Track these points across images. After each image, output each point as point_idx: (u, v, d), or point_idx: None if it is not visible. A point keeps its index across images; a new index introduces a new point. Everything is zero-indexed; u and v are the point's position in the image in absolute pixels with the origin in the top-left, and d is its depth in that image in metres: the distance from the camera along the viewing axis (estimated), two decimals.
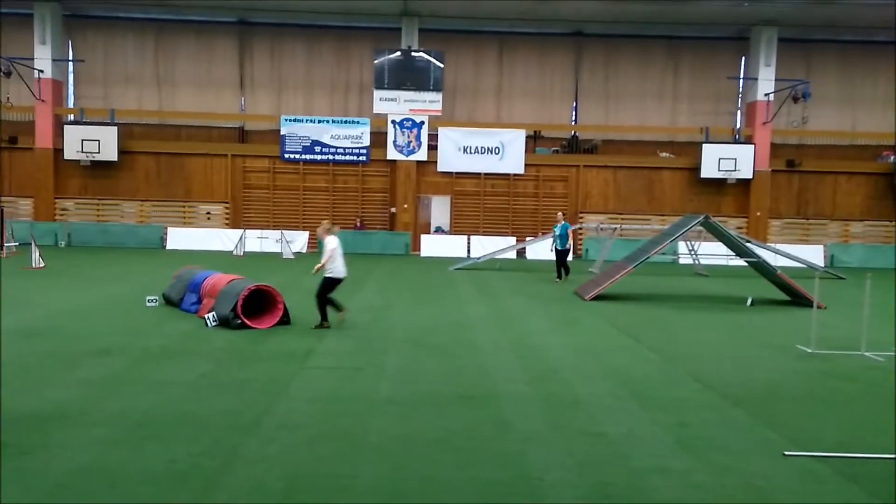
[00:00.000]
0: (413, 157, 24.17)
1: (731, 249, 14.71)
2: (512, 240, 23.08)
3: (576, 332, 10.21)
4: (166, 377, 7.01)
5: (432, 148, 24.27)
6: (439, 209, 24.83)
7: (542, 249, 21.92)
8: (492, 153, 24.31)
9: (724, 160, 24.11)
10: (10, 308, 10.58)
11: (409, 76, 23.52)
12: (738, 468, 4.96)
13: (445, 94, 24.06)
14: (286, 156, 24.29)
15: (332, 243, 9.60)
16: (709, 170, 24.20)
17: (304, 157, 24.30)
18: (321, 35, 25.26)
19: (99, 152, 23.40)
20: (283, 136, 24.20)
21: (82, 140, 23.36)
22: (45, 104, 23.64)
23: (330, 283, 9.64)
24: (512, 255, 22.19)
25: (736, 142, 24.86)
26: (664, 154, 25.21)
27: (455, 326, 10.30)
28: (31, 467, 4.60)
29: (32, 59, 23.35)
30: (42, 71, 23.43)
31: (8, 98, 23.41)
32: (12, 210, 23.06)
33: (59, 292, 12.62)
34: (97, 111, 24.24)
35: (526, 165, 24.47)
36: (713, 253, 17.45)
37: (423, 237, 24.01)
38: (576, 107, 25.98)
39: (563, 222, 16.68)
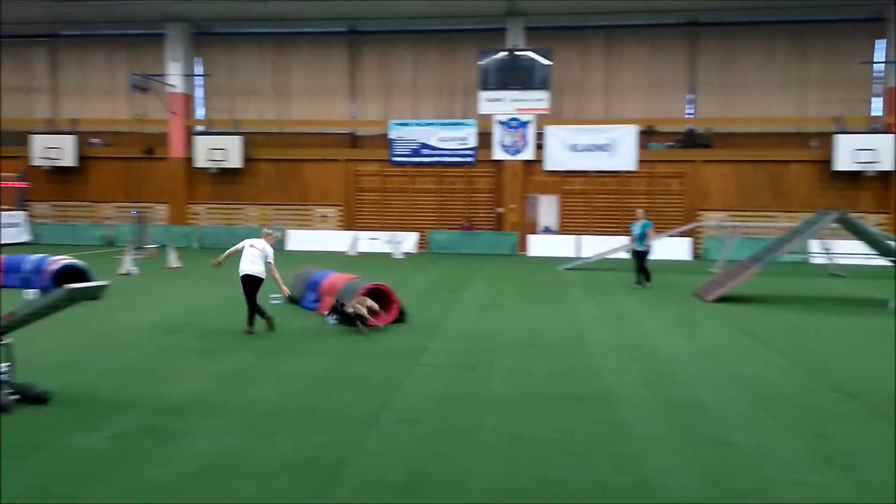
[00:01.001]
0: (519, 157, 24.05)
1: (873, 248, 13.49)
2: (624, 239, 22.36)
3: (696, 334, 9.75)
4: (290, 371, 7.38)
5: (539, 147, 24.02)
6: (547, 209, 24.54)
7: (657, 249, 21.13)
8: (601, 150, 23.71)
9: (861, 151, 22.17)
10: (153, 305, 11.53)
11: (514, 76, 23.42)
12: (885, 485, 4.55)
13: (552, 92, 23.74)
14: (395, 159, 24.91)
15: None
16: (843, 162, 22.33)
17: (412, 159, 24.81)
18: (427, 40, 25.69)
19: (225, 160, 25.04)
20: (392, 140, 24.82)
21: (210, 149, 25.08)
22: (177, 117, 25.58)
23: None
24: (624, 255, 21.50)
25: (874, 131, 22.79)
26: (813, 144, 23.45)
27: (566, 327, 10.14)
28: (176, 451, 4.99)
29: (165, 75, 25.36)
30: (174, 86, 25.38)
31: (145, 113, 25.56)
32: (151, 214, 25.12)
33: (193, 290, 13.60)
34: (223, 122, 25.93)
35: (638, 162, 23.67)
36: (850, 251, 16.05)
37: (531, 237, 23.82)
38: (691, 99, 24.83)
39: (642, 220, 14.86)
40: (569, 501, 4.32)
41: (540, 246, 23.39)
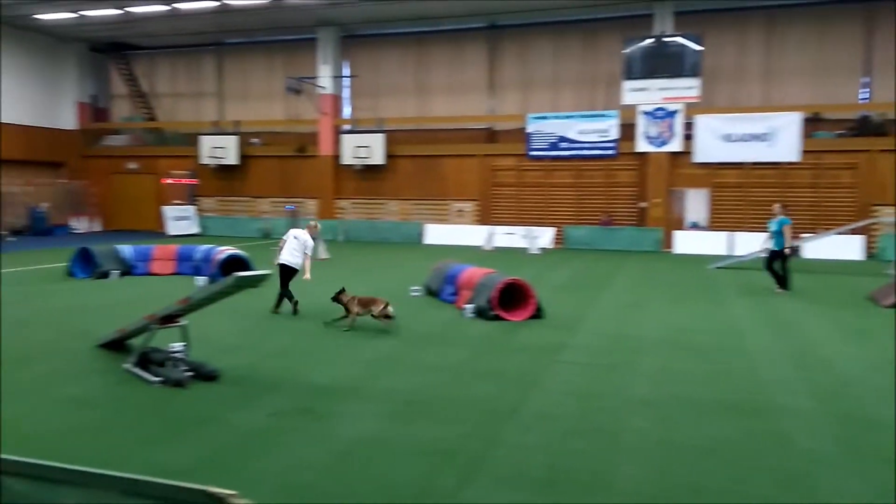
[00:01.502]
0: (666, 149, 22.91)
1: None
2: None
3: (871, 343, 8.74)
4: (431, 361, 7.53)
5: (688, 138, 22.72)
6: (695, 203, 23.18)
7: (824, 247, 19.32)
8: (758, 140, 21.98)
9: None
10: (305, 293, 12.26)
11: (661, 63, 22.32)
12: None
13: (703, 80, 22.37)
14: (532, 153, 24.69)
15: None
16: None
17: (549, 153, 24.47)
18: (567, 30, 25.19)
19: (369, 157, 26.14)
20: (530, 134, 24.62)
21: (355, 147, 26.31)
22: (326, 117, 27.07)
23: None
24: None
25: None
26: None
27: (718, 329, 9.50)
28: (325, 431, 5.26)
29: (316, 77, 26.91)
30: (324, 87, 26.87)
31: (298, 114, 27.29)
32: (303, 209, 26.79)
33: (341, 280, 14.26)
34: (367, 120, 27.08)
35: (802, 152, 21.69)
36: None
37: (677, 233, 22.64)
38: (866, 83, 22.33)
39: (780, 216, 13.01)
40: None
41: (687, 243, 22.18)
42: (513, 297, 10.17)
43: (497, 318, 9.72)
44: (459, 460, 4.73)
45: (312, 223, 10.89)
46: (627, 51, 22.82)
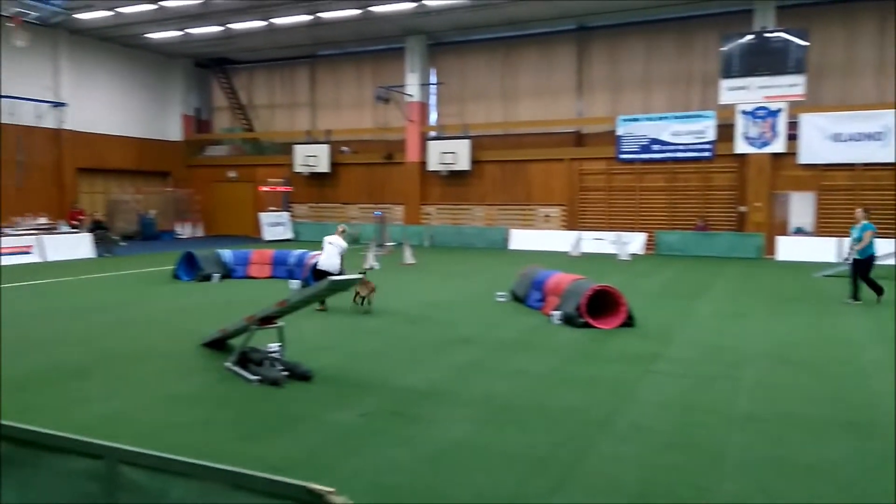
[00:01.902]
0: (767, 150, 21.73)
1: None
2: None
3: None
4: (519, 367, 7.45)
5: (791, 138, 21.46)
6: (800, 207, 21.82)
7: None
8: (872, 140, 20.43)
9: None
10: (392, 297, 12.48)
11: (763, 60, 21.19)
12: None
13: (809, 76, 21.08)
14: (622, 156, 24.07)
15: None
16: None
17: (641, 156, 23.77)
18: (660, 29, 24.43)
19: (455, 163, 26.33)
20: (620, 136, 24.02)
21: (441, 153, 26.57)
22: (413, 124, 27.49)
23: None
24: None
25: None
26: None
27: (827, 342, 8.89)
28: (416, 434, 5.30)
29: (404, 86, 27.40)
30: (411, 95, 27.32)
31: (387, 122, 27.86)
32: (389, 215, 27.31)
33: (427, 285, 14.47)
34: (453, 127, 27.28)
35: None
36: None
37: (780, 239, 21.36)
38: None
39: (863, 221, 11.80)
40: None
41: (791, 249, 20.91)
42: (602, 304, 9.92)
43: (586, 325, 9.51)
44: (551, 469, 4.64)
45: (340, 228, 11.85)
46: (725, 48, 21.85)
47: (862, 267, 11.88)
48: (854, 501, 4.19)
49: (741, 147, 22.04)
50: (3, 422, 2.89)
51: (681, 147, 23.05)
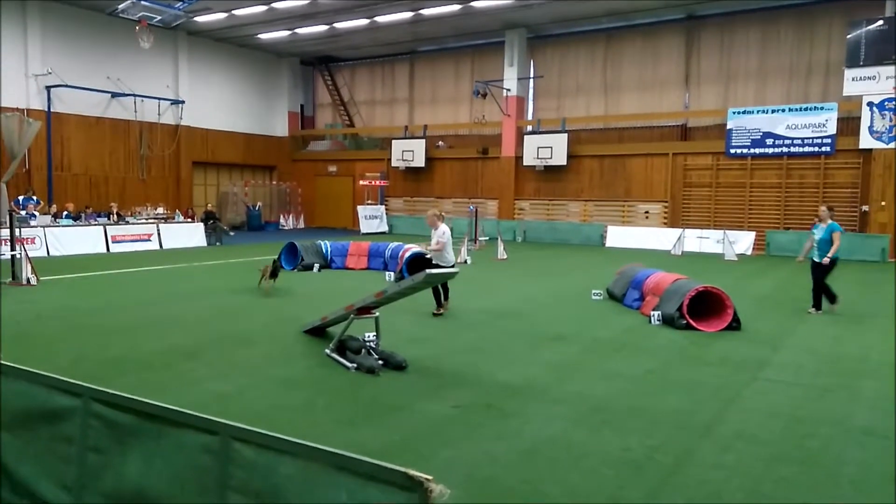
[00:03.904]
0: (895, 145, 20.02)
1: None
2: None
3: None
4: (615, 368, 7.26)
5: None
6: None
7: None
8: None
9: None
10: (486, 292, 12.50)
11: (894, 48, 19.51)
12: None
13: None
14: (732, 151, 22.89)
15: (443, 231, 9.86)
16: None
17: (752, 151, 22.50)
18: (777, 17, 23.00)
19: (551, 158, 25.97)
20: (730, 130, 22.83)
21: (537, 147, 26.27)
22: (510, 118, 27.36)
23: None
24: None
25: None
26: None
27: None
28: (511, 429, 5.28)
29: (502, 80, 27.29)
30: (509, 90, 27.17)
31: (483, 116, 27.90)
32: (483, 209, 27.35)
33: (519, 281, 14.38)
34: (551, 121, 26.92)
35: None
36: None
37: None
38: None
39: (829, 221, 10.63)
40: None
41: None
42: (706, 305, 9.48)
43: (688, 327, 9.13)
44: (647, 474, 4.49)
45: (435, 210, 10.48)
46: (851, 35, 20.26)
47: (823, 271, 10.58)
48: None
49: (866, 141, 20.40)
50: (129, 395, 3.13)
51: (797, 141, 21.64)
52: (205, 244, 21.81)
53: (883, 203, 20.29)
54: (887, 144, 20.14)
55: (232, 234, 24.52)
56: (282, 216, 32.01)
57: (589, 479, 4.37)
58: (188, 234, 21.76)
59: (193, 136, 28.65)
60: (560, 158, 25.79)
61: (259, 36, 28.23)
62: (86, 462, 3.18)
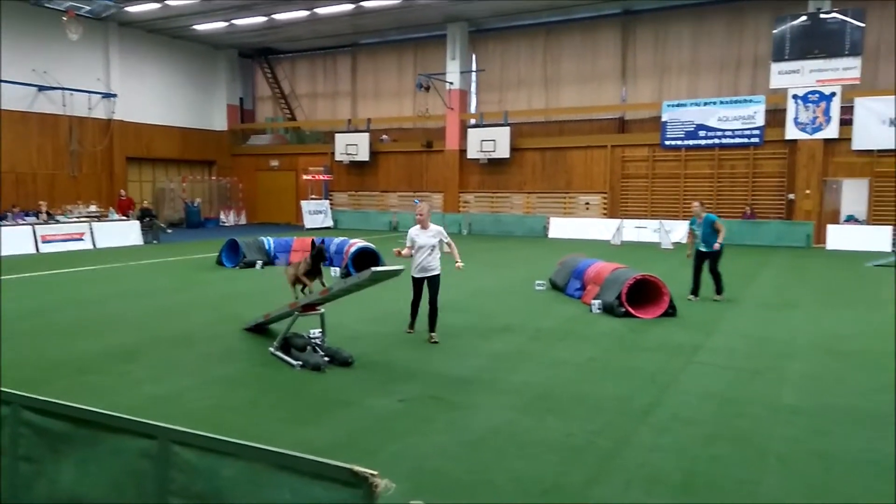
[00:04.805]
0: (819, 136, 21.01)
1: None
2: None
3: None
4: (559, 357, 7.43)
5: (845, 123, 20.71)
6: (853, 194, 21.07)
7: None
8: None
9: None
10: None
11: (817, 43, 20.45)
12: None
13: (865, 59, 20.25)
14: (667, 143, 23.59)
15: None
16: None
17: (686, 142, 23.26)
18: (709, 12, 23.78)
19: (494, 151, 26.19)
20: (665, 122, 23.53)
21: (481, 140, 26.46)
22: (453, 112, 27.42)
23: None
24: None
25: None
26: None
27: (877, 334, 8.60)
28: (456, 420, 5.35)
29: (444, 73, 27.33)
30: (452, 83, 27.23)
31: (427, 109, 27.88)
32: (429, 203, 27.34)
33: (465, 273, 14.38)
34: (494, 114, 27.12)
35: None
36: None
37: (830, 227, 20.67)
38: None
39: (704, 214, 11.11)
40: None
41: (842, 238, 20.24)
42: (644, 293, 9.80)
43: (627, 314, 9.41)
44: (589, 458, 4.63)
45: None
46: (777, 30, 21.15)
47: (715, 259, 10.99)
48: None
49: (791, 133, 21.38)
50: (62, 402, 3.04)
51: (728, 133, 22.48)
52: (141, 242, 21.12)
53: (808, 192, 21.31)
54: (811, 135, 21.15)
55: (169, 231, 23.81)
56: (222, 212, 31.23)
57: (534, 466, 4.48)
58: (123, 233, 21.02)
59: (127, 130, 27.62)
60: (503, 151, 26.04)
61: (195, 27, 27.39)
62: (17, 472, 3.07)
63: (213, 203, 31.30)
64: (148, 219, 22.17)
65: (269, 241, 15.84)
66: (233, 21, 26.19)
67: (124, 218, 22.41)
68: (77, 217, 21.26)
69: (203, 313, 9.73)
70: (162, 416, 3.87)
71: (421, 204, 8.61)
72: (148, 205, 24.00)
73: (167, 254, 18.06)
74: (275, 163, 32.02)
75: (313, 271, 7.54)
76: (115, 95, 26.87)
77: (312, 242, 7.73)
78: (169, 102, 29.61)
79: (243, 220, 31.80)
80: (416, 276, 8.15)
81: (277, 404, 5.75)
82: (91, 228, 20.19)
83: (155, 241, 21.45)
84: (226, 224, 30.59)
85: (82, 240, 19.77)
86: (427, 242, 8.11)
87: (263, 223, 30.89)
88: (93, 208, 22.86)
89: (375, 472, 2.18)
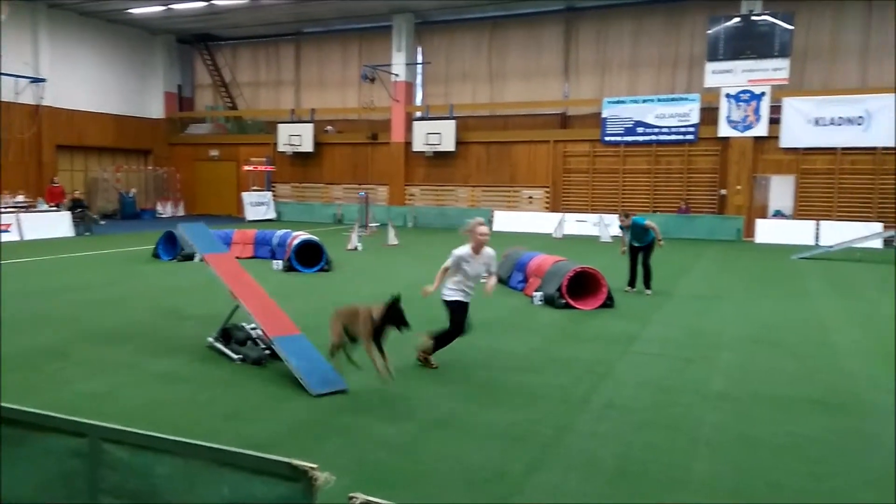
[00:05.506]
0: (750, 133, 21.92)
1: None
2: (877, 226, 19.50)
3: None
4: (502, 347, 7.55)
5: (774, 122, 21.66)
6: (780, 190, 22.10)
7: None
8: (853, 124, 20.66)
9: None
10: (376, 279, 12.52)
11: (748, 44, 21.30)
12: None
13: (793, 60, 21.22)
14: (607, 138, 24.15)
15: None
16: None
17: (625, 139, 23.87)
18: (649, 11, 24.40)
19: (440, 144, 26.24)
20: (605, 118, 24.07)
21: (427, 133, 26.46)
22: (399, 104, 27.32)
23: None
24: (878, 243, 18.78)
25: None
26: None
27: (802, 324, 9.08)
28: (401, 412, 5.40)
29: (390, 65, 27.17)
30: (397, 75, 27.10)
31: (372, 101, 27.69)
32: (373, 195, 27.23)
33: (409, 267, 14.52)
34: (439, 107, 27.15)
35: None
36: None
37: (759, 222, 21.66)
38: None
39: (629, 222, 11.40)
40: None
41: (770, 232, 21.22)
42: (583, 285, 10.05)
43: (567, 306, 9.63)
44: (530, 446, 4.75)
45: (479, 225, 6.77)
46: (712, 31, 21.92)
47: (648, 251, 11.43)
48: (820, 476, 4.34)
49: (724, 130, 22.22)
50: None
51: (665, 130, 23.17)
52: (72, 234, 20.27)
53: (738, 187, 22.22)
54: (742, 133, 22.03)
55: (103, 222, 22.94)
56: (159, 203, 30.25)
57: (475, 455, 4.56)
58: (53, 224, 20.14)
59: (57, 117, 26.39)
60: (449, 144, 26.11)
61: (130, 11, 26.36)
62: None
63: (150, 194, 30.29)
64: (80, 210, 21.29)
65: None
66: (170, 5, 25.32)
67: (54, 208, 21.46)
68: (3, 207, 20.23)
69: (138, 307, 9.44)
70: (95, 415, 3.76)
71: (479, 221, 6.68)
72: (80, 195, 23.04)
73: (100, 246, 17.40)
74: (215, 153, 31.19)
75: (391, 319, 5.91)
76: (43, 80, 25.62)
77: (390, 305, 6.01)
78: (102, 88, 28.44)
79: (181, 212, 30.87)
80: (463, 299, 6.56)
81: (217, 399, 5.66)
82: (18, 219, 19.26)
83: (87, 233, 20.63)
84: (163, 216, 29.64)
85: (8, 231, 18.86)
86: (477, 272, 6.43)
87: (203, 215, 30.05)
88: (20, 198, 21.79)
89: (315, 466, 2.19)
